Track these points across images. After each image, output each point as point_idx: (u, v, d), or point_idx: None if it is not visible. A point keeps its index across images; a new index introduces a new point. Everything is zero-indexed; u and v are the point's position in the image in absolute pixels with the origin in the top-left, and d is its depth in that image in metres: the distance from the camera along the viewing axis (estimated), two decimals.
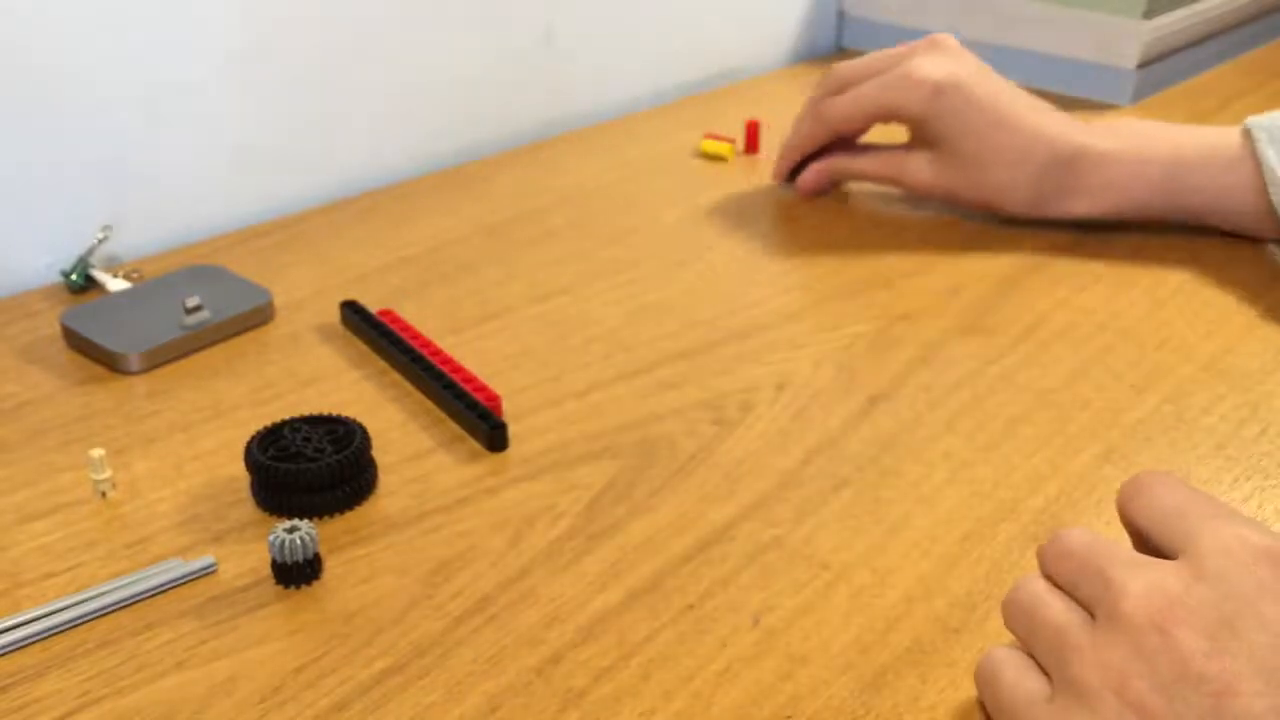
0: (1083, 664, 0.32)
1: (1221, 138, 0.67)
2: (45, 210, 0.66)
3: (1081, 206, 0.69)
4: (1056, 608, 0.34)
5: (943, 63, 0.69)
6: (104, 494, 0.48)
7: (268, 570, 0.43)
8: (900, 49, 0.71)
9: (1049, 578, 0.36)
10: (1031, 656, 0.35)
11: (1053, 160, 0.68)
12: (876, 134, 0.74)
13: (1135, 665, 0.31)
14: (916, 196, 0.75)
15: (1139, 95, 0.95)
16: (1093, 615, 0.33)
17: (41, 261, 0.66)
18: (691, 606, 0.42)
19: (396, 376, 0.56)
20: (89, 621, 0.42)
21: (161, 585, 0.43)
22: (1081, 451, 0.50)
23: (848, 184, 0.78)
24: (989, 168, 0.69)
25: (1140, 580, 0.32)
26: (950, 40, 0.71)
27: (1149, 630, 0.31)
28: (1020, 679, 0.34)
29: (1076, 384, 0.55)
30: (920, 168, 0.71)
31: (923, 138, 0.71)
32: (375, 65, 0.79)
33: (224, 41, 0.71)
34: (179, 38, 0.69)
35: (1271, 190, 0.64)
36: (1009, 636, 0.38)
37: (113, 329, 0.58)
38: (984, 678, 0.36)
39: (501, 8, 0.84)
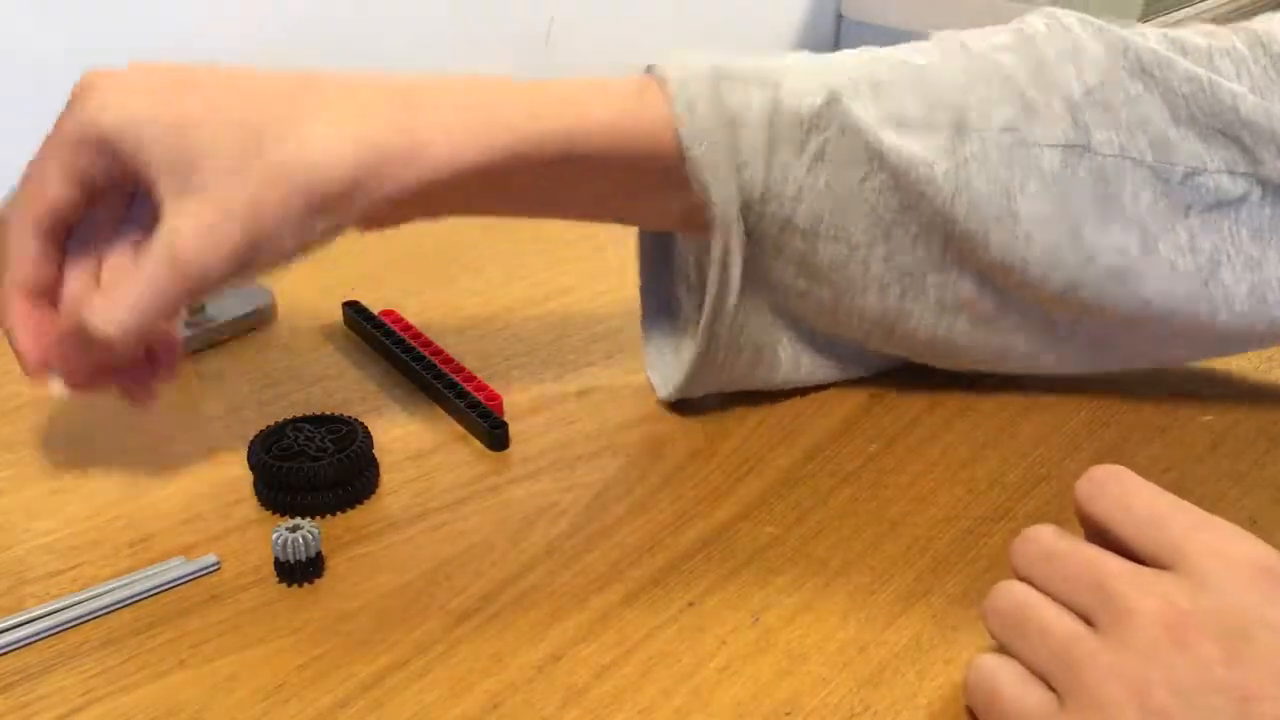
0: (1097, 674, 0.32)
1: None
2: None
3: None
4: (1051, 616, 0.34)
5: None
6: (107, 493, 0.48)
7: (270, 569, 0.44)
8: None
9: (1029, 580, 0.35)
10: (1022, 663, 0.35)
11: None
12: None
13: (1156, 674, 0.31)
14: None
15: None
16: (1090, 623, 0.33)
17: None
18: (691, 604, 0.42)
19: (398, 376, 0.56)
20: (92, 620, 0.42)
21: (164, 584, 0.43)
22: (1078, 450, 0.51)
23: None
24: None
25: (1149, 597, 0.32)
26: None
27: (1166, 643, 0.31)
28: (1024, 692, 0.34)
29: (1073, 384, 0.55)
30: None
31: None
32: (375, 66, 0.79)
33: (226, 43, 0.71)
34: (183, 38, 0.69)
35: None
36: None
37: None
38: (980, 691, 0.35)
39: (501, 8, 0.84)
